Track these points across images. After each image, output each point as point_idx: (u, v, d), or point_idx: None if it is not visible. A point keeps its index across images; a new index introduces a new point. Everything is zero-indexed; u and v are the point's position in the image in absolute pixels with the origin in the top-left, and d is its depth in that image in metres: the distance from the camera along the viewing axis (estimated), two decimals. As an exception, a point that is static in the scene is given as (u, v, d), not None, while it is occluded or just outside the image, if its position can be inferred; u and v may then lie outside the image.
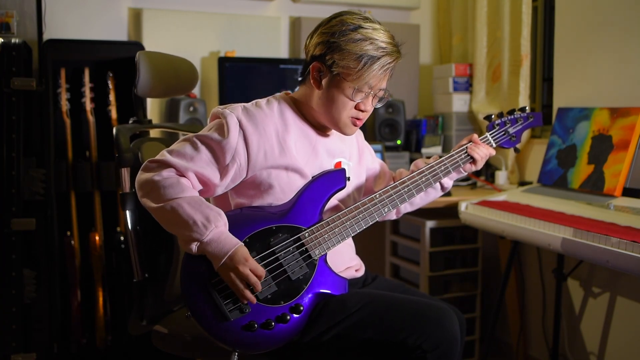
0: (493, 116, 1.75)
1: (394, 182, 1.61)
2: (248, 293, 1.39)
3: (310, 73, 1.53)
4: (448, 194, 2.62)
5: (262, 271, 1.41)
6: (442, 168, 1.66)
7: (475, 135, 1.72)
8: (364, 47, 1.46)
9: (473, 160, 1.69)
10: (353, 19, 1.50)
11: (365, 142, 1.79)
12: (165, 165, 1.46)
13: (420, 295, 1.68)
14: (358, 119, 1.55)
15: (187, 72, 1.95)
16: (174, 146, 1.51)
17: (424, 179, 1.63)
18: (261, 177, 1.50)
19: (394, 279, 2.67)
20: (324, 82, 1.51)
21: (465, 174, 1.75)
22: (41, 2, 2.63)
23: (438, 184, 1.72)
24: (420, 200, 1.77)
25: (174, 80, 1.91)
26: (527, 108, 1.78)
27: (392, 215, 1.79)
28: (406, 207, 1.79)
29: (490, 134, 1.73)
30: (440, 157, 1.69)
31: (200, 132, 1.51)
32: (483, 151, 1.70)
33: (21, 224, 2.42)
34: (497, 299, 2.57)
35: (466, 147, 1.69)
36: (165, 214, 1.42)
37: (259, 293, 1.42)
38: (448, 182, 1.75)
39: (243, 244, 1.42)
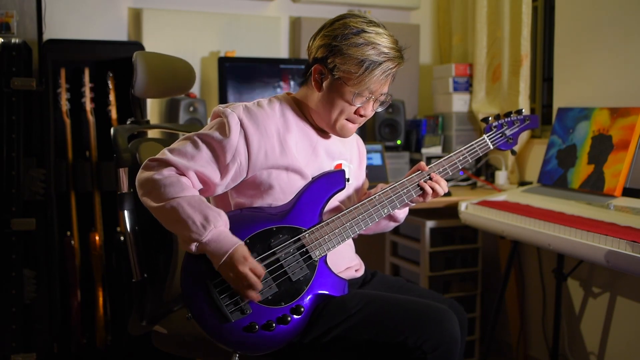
0: (490, 118, 1.75)
1: (391, 185, 1.61)
2: (250, 292, 1.38)
3: (312, 75, 1.53)
4: (448, 193, 2.62)
5: (261, 270, 1.40)
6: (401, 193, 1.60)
7: (423, 164, 1.64)
8: (366, 52, 1.46)
9: (423, 193, 1.61)
10: (357, 22, 1.49)
11: (365, 152, 1.79)
12: (166, 164, 1.46)
13: (420, 290, 1.68)
14: (354, 122, 1.55)
15: (184, 72, 1.94)
16: (174, 145, 1.51)
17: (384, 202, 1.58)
18: (261, 177, 1.51)
19: (391, 275, 2.65)
20: (324, 84, 1.51)
21: (414, 204, 1.68)
22: (41, 2, 2.63)
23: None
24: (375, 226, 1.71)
25: (171, 81, 1.91)
26: (523, 110, 1.78)
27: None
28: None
29: (487, 136, 1.73)
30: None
31: (202, 131, 1.52)
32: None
33: (21, 224, 2.42)
34: (497, 299, 2.57)
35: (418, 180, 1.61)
36: (165, 213, 1.42)
37: (259, 293, 1.42)
38: (401, 213, 1.73)
39: (243, 243, 1.41)
